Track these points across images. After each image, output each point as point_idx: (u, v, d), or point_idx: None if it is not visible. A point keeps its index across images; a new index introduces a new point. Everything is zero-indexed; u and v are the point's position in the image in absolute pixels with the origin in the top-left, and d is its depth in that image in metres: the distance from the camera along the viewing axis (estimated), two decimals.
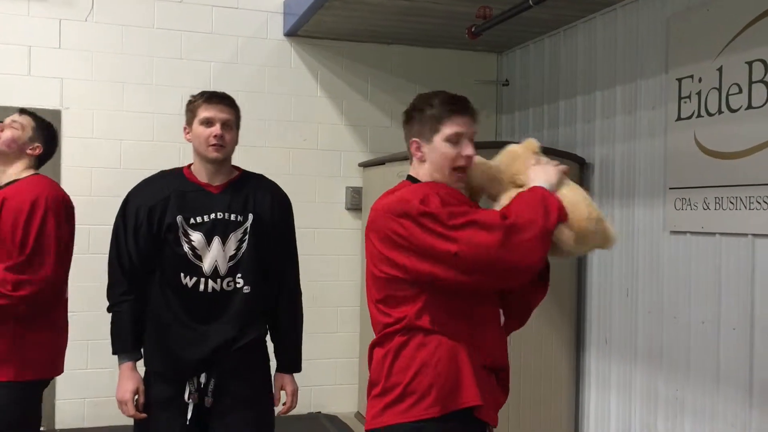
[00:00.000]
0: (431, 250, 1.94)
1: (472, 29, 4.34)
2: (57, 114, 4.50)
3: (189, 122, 2.51)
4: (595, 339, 4.18)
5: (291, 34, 4.89)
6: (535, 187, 2.04)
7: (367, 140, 5.11)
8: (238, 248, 2.46)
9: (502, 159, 2.20)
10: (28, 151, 2.73)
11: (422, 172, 2.13)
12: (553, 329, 4.22)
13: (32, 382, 2.59)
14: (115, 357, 2.51)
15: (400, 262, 2.00)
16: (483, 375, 2.05)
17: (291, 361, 2.66)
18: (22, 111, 2.80)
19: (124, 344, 2.47)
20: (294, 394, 2.62)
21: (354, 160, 5.07)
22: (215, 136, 2.43)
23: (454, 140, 2.07)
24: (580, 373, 4.31)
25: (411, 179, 2.16)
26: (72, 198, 2.75)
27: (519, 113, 5.07)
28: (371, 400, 2.11)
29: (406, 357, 2.01)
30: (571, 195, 2.06)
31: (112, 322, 2.50)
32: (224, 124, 2.46)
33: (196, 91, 2.61)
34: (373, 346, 2.15)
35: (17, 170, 2.70)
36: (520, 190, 2.09)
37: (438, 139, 2.07)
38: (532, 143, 2.19)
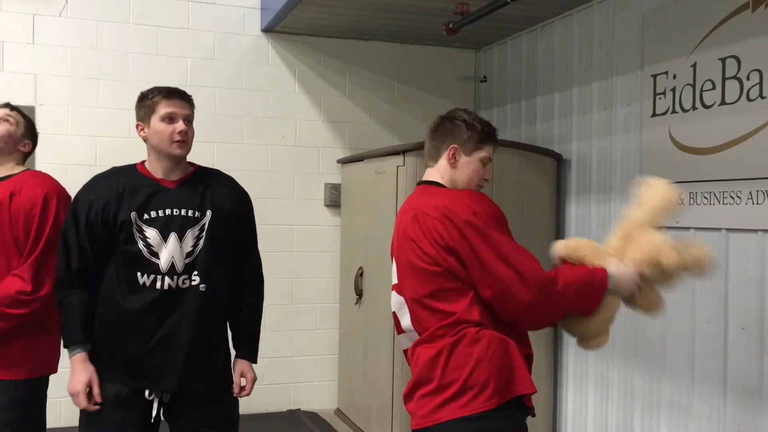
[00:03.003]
0: (471, 272, 2.09)
1: (450, 25, 4.35)
2: (31, 110, 4.42)
3: (144, 118, 2.45)
4: None
5: (268, 30, 4.87)
6: (605, 276, 2.15)
7: (345, 137, 5.10)
8: (195, 245, 2.40)
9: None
10: (20, 148, 2.72)
11: (447, 177, 2.28)
12: None
13: (42, 378, 2.66)
14: None
15: (443, 262, 2.11)
16: (526, 364, 2.19)
17: (252, 350, 2.64)
18: (8, 105, 2.76)
19: (73, 336, 2.40)
20: (254, 381, 2.60)
21: (332, 157, 5.06)
22: (180, 132, 2.39)
23: (485, 162, 2.29)
24: (558, 368, 4.34)
25: (437, 185, 2.27)
26: None
27: (497, 109, 5.09)
28: (419, 399, 2.16)
29: (461, 354, 2.08)
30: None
31: (62, 316, 2.44)
32: (186, 120, 2.42)
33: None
34: (418, 345, 2.19)
35: (8, 167, 2.69)
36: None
37: (476, 156, 2.27)
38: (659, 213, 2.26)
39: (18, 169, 2.69)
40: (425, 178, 2.33)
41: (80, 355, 2.38)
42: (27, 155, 2.77)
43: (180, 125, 2.40)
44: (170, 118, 2.40)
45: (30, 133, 2.76)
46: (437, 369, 2.10)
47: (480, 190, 2.30)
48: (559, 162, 4.31)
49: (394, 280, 2.29)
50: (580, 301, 2.14)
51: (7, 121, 2.68)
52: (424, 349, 2.15)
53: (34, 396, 2.64)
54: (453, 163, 2.27)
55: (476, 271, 2.07)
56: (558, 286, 2.08)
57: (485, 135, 2.28)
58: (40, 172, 2.74)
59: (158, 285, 2.37)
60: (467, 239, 2.07)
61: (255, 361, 2.63)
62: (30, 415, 2.62)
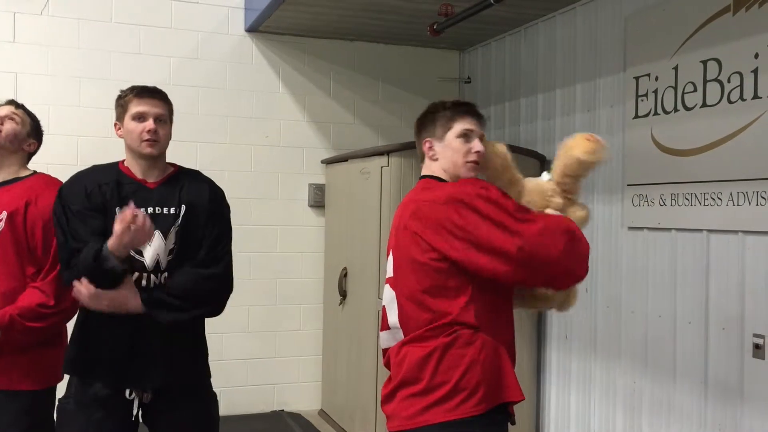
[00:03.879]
0: (493, 242, 2.01)
1: (434, 26, 4.36)
2: None
3: (120, 118, 2.44)
4: (556, 335, 4.23)
5: (252, 29, 4.85)
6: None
7: (329, 137, 5.10)
8: (176, 242, 2.39)
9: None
10: (25, 147, 2.65)
11: (438, 170, 2.23)
12: (515, 325, 4.25)
13: (53, 387, 2.62)
14: None
15: (453, 252, 2.03)
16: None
17: (155, 297, 2.31)
18: (13, 102, 2.68)
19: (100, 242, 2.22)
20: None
21: (317, 157, 5.05)
22: (149, 131, 2.36)
23: (466, 135, 2.19)
24: (541, 368, 4.36)
25: (434, 178, 2.23)
26: None
27: (481, 110, 5.09)
28: (404, 399, 2.09)
29: (455, 356, 2.04)
30: None
31: (82, 258, 2.25)
32: (157, 119, 2.39)
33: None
34: (405, 344, 2.12)
35: (15, 168, 2.63)
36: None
37: (451, 136, 2.20)
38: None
39: (26, 172, 2.64)
40: (423, 173, 2.30)
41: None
42: (31, 155, 2.71)
43: (149, 124, 2.37)
44: (141, 117, 2.38)
45: (35, 132, 2.68)
46: (427, 369, 2.04)
47: (475, 167, 2.21)
48: (543, 163, 4.32)
49: (389, 274, 2.23)
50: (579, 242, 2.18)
51: (12, 119, 2.60)
52: (413, 348, 2.08)
53: (46, 405, 2.60)
54: (432, 155, 2.23)
55: (499, 239, 1.99)
56: (571, 226, 2.14)
57: (454, 112, 2.21)
58: (52, 178, 2.66)
59: (143, 283, 2.35)
60: (480, 212, 2.01)
61: (148, 303, 2.29)
62: (43, 424, 2.59)
